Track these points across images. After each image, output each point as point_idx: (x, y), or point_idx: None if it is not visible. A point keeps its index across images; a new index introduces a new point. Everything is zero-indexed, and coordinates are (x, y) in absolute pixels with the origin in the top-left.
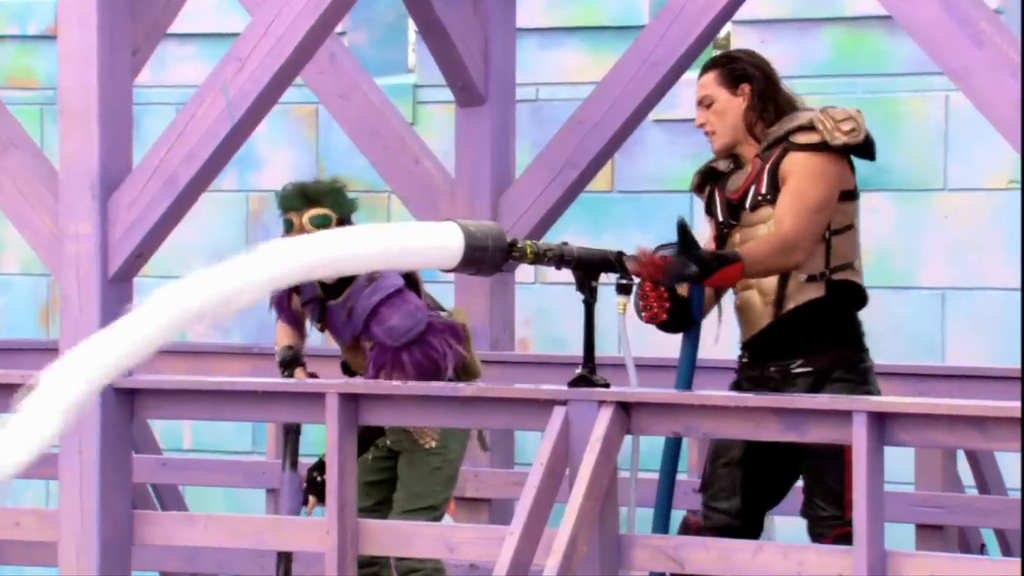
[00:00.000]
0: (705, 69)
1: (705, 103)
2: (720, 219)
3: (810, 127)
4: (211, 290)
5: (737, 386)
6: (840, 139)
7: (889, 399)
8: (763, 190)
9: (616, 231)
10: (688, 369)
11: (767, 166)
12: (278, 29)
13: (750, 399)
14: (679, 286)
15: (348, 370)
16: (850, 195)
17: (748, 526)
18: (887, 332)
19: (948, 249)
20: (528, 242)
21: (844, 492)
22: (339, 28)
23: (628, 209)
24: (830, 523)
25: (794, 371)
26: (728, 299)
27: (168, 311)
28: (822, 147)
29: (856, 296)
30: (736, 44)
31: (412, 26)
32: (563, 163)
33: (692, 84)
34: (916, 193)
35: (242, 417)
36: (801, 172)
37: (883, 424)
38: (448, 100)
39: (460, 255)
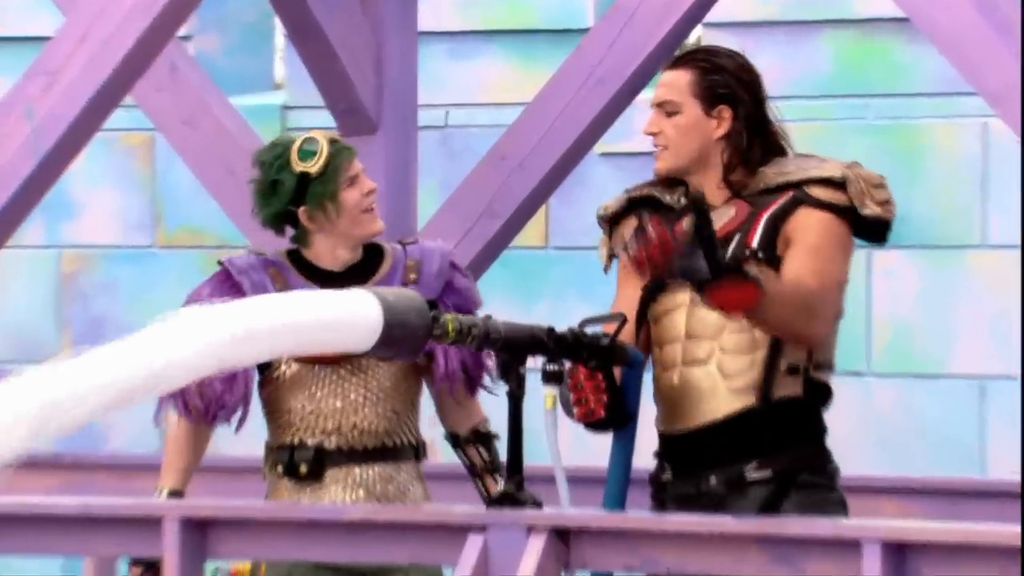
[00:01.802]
0: (677, 63)
1: (666, 109)
2: None
3: (840, 183)
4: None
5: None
6: (872, 210)
7: (911, 524)
8: (754, 243)
9: (551, 299)
10: (620, 479)
11: (766, 214)
12: (101, 32)
13: (728, 523)
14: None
15: None
16: None
17: None
18: (909, 434)
19: (988, 325)
20: (448, 316)
21: None
22: (183, 31)
23: (566, 270)
24: None
25: (749, 477)
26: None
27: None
28: (845, 212)
29: (827, 399)
30: None
31: (279, 28)
32: (481, 210)
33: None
34: (946, 251)
35: (54, 549)
36: (821, 233)
37: (903, 557)
38: (328, 126)
39: (377, 334)
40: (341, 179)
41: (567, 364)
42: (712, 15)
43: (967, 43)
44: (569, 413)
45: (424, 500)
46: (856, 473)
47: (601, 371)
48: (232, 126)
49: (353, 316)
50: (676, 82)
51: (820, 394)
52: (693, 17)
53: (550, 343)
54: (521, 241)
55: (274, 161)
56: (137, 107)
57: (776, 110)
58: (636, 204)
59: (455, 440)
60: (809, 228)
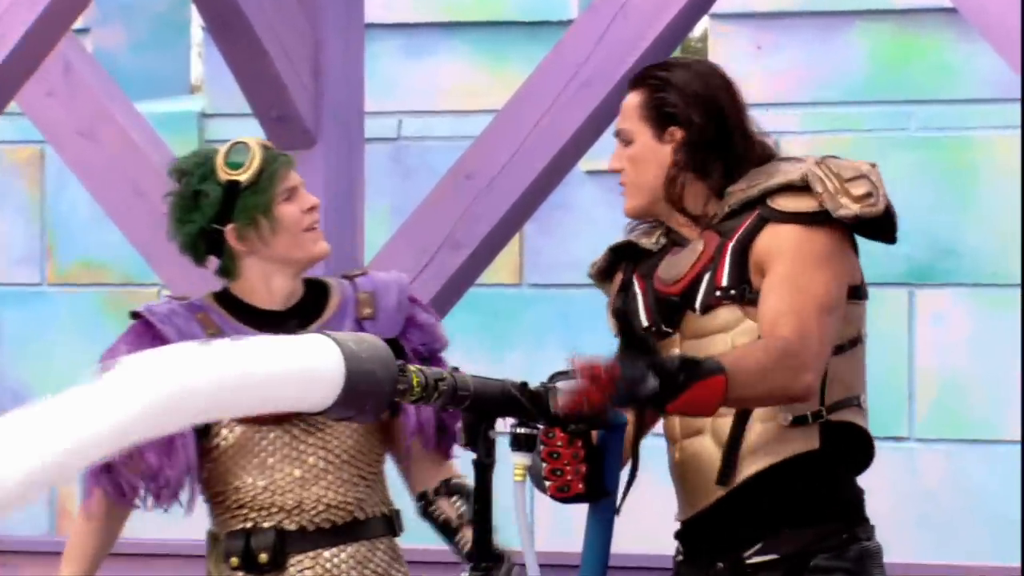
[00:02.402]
0: (630, 84)
1: (623, 138)
2: (645, 324)
3: (802, 186)
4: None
5: None
6: (848, 208)
7: None
8: (724, 281)
9: (526, 347)
10: (597, 566)
11: (731, 243)
12: None
13: None
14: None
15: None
16: (856, 292)
17: None
18: (959, 513)
19: None
20: (413, 368)
21: None
22: (80, 22)
23: (545, 312)
24: None
25: (749, 561)
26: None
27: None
28: (820, 218)
29: (858, 447)
30: (719, 48)
31: (197, 20)
32: (441, 240)
33: None
34: (1002, 290)
35: None
36: (794, 255)
37: None
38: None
39: (338, 389)
40: (277, 190)
41: (540, 427)
42: (721, 4)
43: None
44: (540, 486)
45: None
46: (896, 560)
47: (581, 437)
48: (139, 138)
49: (312, 367)
50: (627, 106)
51: (845, 442)
52: (698, 6)
53: (525, 401)
54: (490, 277)
55: (195, 169)
56: (23, 116)
57: (756, 121)
58: (620, 255)
59: (423, 498)
60: (778, 251)
